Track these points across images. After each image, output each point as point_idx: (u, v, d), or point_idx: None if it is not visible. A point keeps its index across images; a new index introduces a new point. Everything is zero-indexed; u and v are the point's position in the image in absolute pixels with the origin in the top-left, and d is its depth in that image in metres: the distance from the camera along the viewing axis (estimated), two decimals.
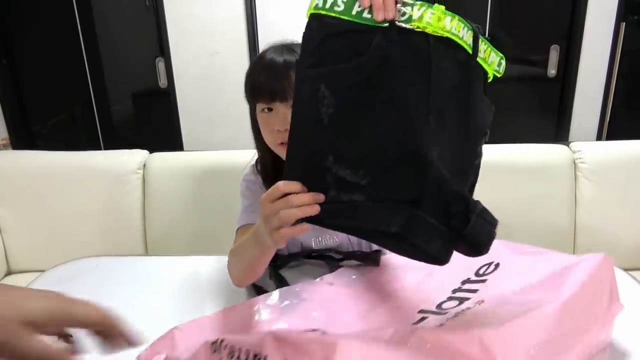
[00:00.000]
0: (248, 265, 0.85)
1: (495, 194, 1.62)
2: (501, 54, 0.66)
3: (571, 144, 1.67)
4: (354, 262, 0.96)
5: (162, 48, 2.19)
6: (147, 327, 0.83)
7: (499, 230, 0.64)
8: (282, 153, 0.96)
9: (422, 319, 0.69)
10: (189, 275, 1.01)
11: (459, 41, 0.60)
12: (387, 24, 0.58)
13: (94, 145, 2.47)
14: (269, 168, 1.02)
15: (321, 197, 0.62)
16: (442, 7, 0.59)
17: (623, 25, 2.07)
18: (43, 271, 1.07)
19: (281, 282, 0.92)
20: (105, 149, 2.33)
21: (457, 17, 0.60)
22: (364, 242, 1.03)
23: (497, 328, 0.55)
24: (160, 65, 2.26)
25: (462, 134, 0.63)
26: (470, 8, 2.22)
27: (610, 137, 2.21)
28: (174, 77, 2.20)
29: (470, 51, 0.61)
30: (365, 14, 0.59)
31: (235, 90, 2.19)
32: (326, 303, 0.81)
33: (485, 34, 0.63)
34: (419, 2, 0.59)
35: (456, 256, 0.88)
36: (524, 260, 0.77)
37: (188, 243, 1.68)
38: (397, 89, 0.59)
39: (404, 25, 0.58)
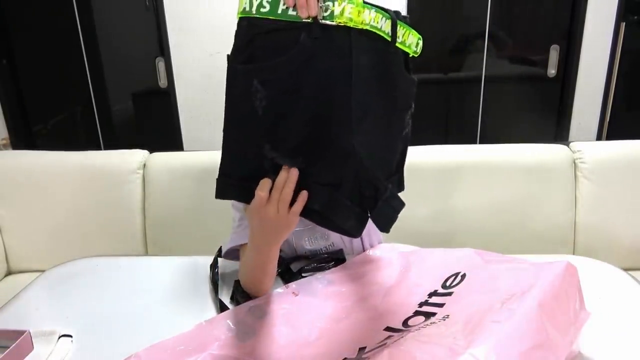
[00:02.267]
0: (260, 274, 0.85)
1: (495, 194, 1.62)
2: (419, 35, 0.72)
3: (571, 144, 1.67)
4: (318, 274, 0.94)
5: (162, 48, 2.19)
6: (147, 327, 0.83)
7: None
8: None
9: (389, 337, 0.69)
10: (189, 275, 1.01)
11: (378, 32, 0.66)
12: (311, 21, 0.62)
13: (94, 145, 2.47)
14: None
15: (292, 170, 0.68)
16: (361, 1, 0.64)
17: (623, 25, 2.07)
18: (43, 271, 1.07)
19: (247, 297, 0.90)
20: (105, 149, 2.33)
21: (374, 8, 0.65)
22: (355, 240, 1.03)
23: (473, 342, 0.54)
24: (160, 65, 2.26)
25: (388, 113, 0.71)
26: (470, 8, 2.22)
27: (610, 137, 2.21)
28: (174, 77, 2.20)
29: (389, 39, 0.67)
30: (291, 12, 0.63)
31: None
32: (288, 318, 0.80)
33: (407, 18, 0.70)
34: None
35: (426, 266, 0.88)
36: (491, 270, 0.76)
37: (188, 243, 1.68)
38: (321, 82, 0.64)
39: (326, 21, 0.62)
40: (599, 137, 2.22)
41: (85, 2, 2.28)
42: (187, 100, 2.23)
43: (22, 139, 2.39)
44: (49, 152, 1.78)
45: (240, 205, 1.02)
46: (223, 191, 0.72)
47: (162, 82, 2.28)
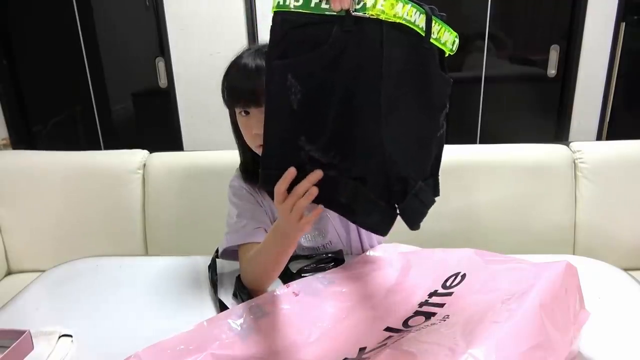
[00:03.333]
0: (273, 262, 0.86)
1: (495, 194, 1.62)
2: (455, 33, 0.71)
3: (571, 144, 1.67)
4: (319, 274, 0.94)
5: (162, 48, 2.19)
6: (147, 327, 0.83)
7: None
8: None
9: (389, 337, 0.69)
10: (189, 275, 1.01)
11: (411, 25, 0.65)
12: (343, 14, 0.62)
13: (94, 145, 2.47)
14: (250, 168, 1.03)
15: (317, 174, 0.69)
16: None
17: (623, 25, 2.07)
18: (43, 271, 1.07)
19: (246, 296, 0.90)
20: (105, 149, 2.33)
21: (409, 2, 0.64)
22: (352, 238, 1.04)
23: (473, 342, 0.54)
24: (160, 65, 2.26)
25: (421, 111, 0.70)
26: (470, 8, 2.22)
27: (610, 137, 2.20)
28: (174, 77, 2.20)
29: (422, 34, 0.66)
30: (324, 5, 0.63)
31: None
32: (288, 318, 0.80)
33: (443, 16, 0.69)
34: None
35: (426, 266, 0.88)
36: (491, 270, 0.76)
37: (188, 243, 1.68)
38: (352, 76, 0.65)
39: (358, 14, 0.62)
40: (599, 137, 2.22)
41: (85, 2, 2.28)
42: (187, 100, 2.22)
43: (22, 139, 2.39)
44: (49, 152, 1.78)
45: (238, 201, 1.03)
46: (265, 181, 0.72)
47: (162, 82, 2.28)
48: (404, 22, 0.64)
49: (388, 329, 0.72)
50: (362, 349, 0.67)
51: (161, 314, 0.89)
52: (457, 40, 0.72)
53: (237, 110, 0.93)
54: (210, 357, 0.69)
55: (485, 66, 2.21)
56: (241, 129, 0.95)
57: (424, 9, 0.66)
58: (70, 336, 0.81)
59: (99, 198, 1.71)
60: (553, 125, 2.29)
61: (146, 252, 1.73)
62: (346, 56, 0.64)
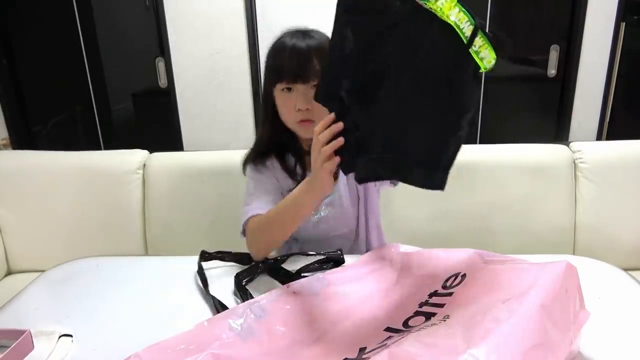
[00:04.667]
0: (286, 223, 0.96)
1: (495, 194, 1.62)
2: (495, 56, 0.75)
3: (571, 144, 1.67)
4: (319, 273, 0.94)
5: (162, 48, 2.19)
6: (147, 327, 0.83)
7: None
8: (301, 131, 1.06)
9: (389, 337, 0.68)
10: (189, 275, 1.01)
11: (458, 31, 0.71)
12: None
13: (94, 145, 2.47)
14: (263, 149, 1.12)
15: (338, 125, 0.79)
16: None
17: (623, 25, 2.07)
18: (43, 271, 1.07)
19: (246, 296, 0.90)
20: (105, 149, 2.33)
21: (464, 10, 0.71)
22: (360, 213, 1.14)
23: (472, 343, 0.54)
24: (160, 65, 2.26)
25: (447, 109, 0.76)
26: (470, 8, 2.22)
27: (610, 137, 2.21)
28: (174, 77, 2.20)
29: (465, 42, 0.71)
30: None
31: (235, 90, 2.20)
32: (288, 318, 0.80)
33: (490, 35, 0.74)
34: None
35: (426, 266, 0.88)
36: (491, 270, 0.76)
37: (188, 243, 1.68)
38: (393, 50, 0.75)
39: (420, 2, 0.71)
40: (599, 137, 2.22)
41: (85, 2, 2.28)
42: (187, 100, 2.23)
43: (22, 139, 2.39)
44: (49, 152, 1.78)
45: (255, 175, 1.11)
46: (322, 98, 0.83)
47: (162, 82, 2.28)
48: (453, 24, 0.71)
49: (388, 329, 0.72)
50: (362, 349, 0.67)
51: (161, 314, 0.88)
52: (493, 62, 0.75)
53: (280, 87, 1.02)
54: (210, 357, 0.69)
55: None
56: (280, 106, 1.04)
57: (475, 21, 0.71)
58: (70, 336, 0.81)
59: (99, 198, 1.71)
60: (553, 125, 2.29)
61: (146, 252, 1.73)
62: (396, 30, 0.74)
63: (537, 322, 0.57)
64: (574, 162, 1.62)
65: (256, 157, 1.12)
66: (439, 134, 0.77)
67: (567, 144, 1.67)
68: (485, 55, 0.73)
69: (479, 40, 0.71)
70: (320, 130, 0.80)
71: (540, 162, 1.63)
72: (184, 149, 2.26)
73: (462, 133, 0.76)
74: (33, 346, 0.77)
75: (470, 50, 0.72)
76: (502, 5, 2.20)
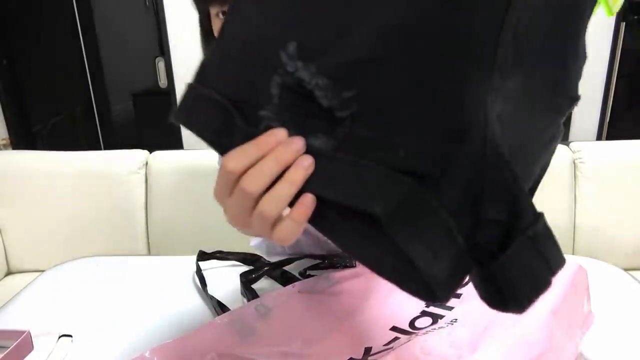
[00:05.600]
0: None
1: None
2: None
3: (571, 144, 1.67)
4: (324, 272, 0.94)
5: (162, 48, 2.19)
6: (148, 327, 0.83)
7: None
8: None
9: (395, 339, 0.68)
10: (192, 275, 1.00)
11: None
12: None
13: (94, 145, 2.47)
14: None
15: (298, 142, 0.32)
16: None
17: (623, 25, 2.07)
18: (43, 271, 1.07)
19: (251, 296, 0.89)
20: (105, 149, 2.33)
21: None
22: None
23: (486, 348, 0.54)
24: (160, 65, 2.26)
25: (545, 92, 0.37)
26: None
27: (610, 137, 2.20)
28: (174, 77, 2.20)
29: None
30: None
31: None
32: (293, 316, 0.79)
33: None
34: None
35: None
36: None
37: (190, 242, 1.68)
38: None
39: None
40: (599, 137, 2.22)
41: (85, 2, 2.28)
42: None
43: (22, 139, 2.39)
44: (49, 152, 1.78)
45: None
46: (186, 109, 0.39)
47: (162, 82, 2.28)
48: None
49: (394, 329, 0.71)
50: (367, 350, 0.67)
51: (163, 314, 0.88)
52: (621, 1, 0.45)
53: (213, 12, 0.65)
54: (216, 357, 0.69)
55: None
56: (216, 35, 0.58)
57: None
58: (70, 336, 0.81)
59: (99, 198, 1.71)
60: None
61: (148, 252, 1.73)
62: None
63: (545, 329, 0.57)
64: (574, 162, 1.62)
65: None
66: (535, 140, 0.37)
67: (567, 144, 1.67)
68: None
69: None
70: (241, 164, 0.33)
71: None
72: (184, 149, 2.27)
73: (556, 143, 0.40)
74: (33, 346, 0.77)
75: None
76: None
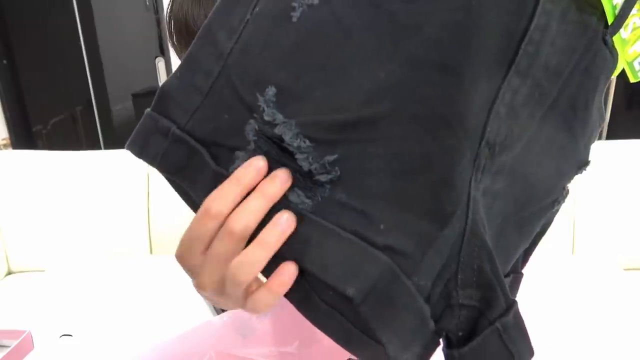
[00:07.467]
0: None
1: None
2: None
3: None
4: None
5: (162, 48, 2.19)
6: (148, 327, 0.83)
7: None
8: None
9: None
10: None
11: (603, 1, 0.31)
12: None
13: (94, 145, 2.47)
14: None
15: (283, 174, 0.29)
16: None
17: None
18: (43, 271, 1.07)
19: None
20: (105, 149, 2.33)
21: None
22: None
23: None
24: (160, 65, 2.26)
25: (548, 157, 0.36)
26: None
27: (610, 137, 2.21)
28: None
29: (611, 19, 0.32)
30: None
31: None
32: (293, 316, 0.79)
33: None
34: None
35: None
36: None
37: None
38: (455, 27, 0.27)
39: None
40: (599, 137, 2.22)
41: (85, 2, 2.28)
42: None
43: (22, 139, 2.39)
44: (49, 152, 1.78)
45: None
46: (141, 141, 0.33)
47: (162, 82, 2.29)
48: None
49: None
50: None
51: (162, 314, 0.89)
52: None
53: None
54: (214, 357, 0.69)
55: None
56: None
57: None
58: (70, 336, 0.81)
59: (99, 198, 1.71)
60: None
61: (151, 252, 1.73)
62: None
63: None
64: None
65: None
66: (537, 205, 0.36)
67: None
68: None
69: (633, 19, 0.34)
70: (225, 206, 0.29)
71: None
72: None
73: (560, 205, 0.39)
74: (33, 346, 0.77)
75: (614, 37, 0.34)
76: None
